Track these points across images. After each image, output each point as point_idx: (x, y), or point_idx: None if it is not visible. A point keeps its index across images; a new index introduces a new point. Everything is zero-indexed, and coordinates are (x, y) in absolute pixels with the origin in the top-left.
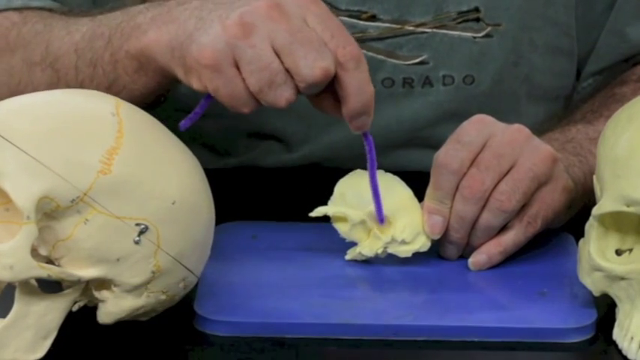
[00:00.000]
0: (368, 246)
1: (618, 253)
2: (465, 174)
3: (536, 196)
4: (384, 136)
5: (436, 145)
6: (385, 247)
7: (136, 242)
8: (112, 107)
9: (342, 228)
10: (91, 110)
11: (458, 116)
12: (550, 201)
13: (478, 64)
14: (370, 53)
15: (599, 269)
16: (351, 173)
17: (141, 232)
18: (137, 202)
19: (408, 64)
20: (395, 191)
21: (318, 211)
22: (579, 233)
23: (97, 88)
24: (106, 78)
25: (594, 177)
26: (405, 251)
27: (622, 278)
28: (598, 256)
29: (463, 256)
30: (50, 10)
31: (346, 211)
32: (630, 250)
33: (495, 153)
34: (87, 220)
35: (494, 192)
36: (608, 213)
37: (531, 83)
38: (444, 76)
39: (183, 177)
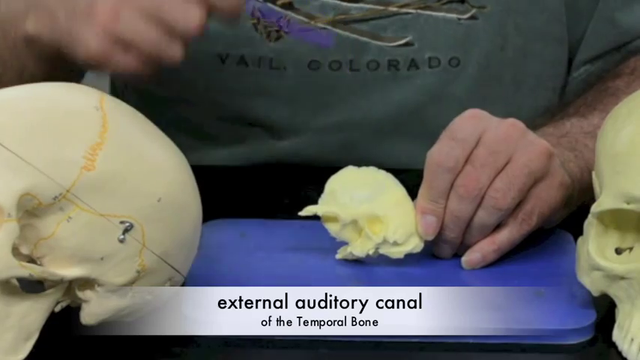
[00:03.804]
0: (359, 246)
1: (618, 251)
2: (459, 172)
3: (532, 192)
4: (371, 121)
5: (423, 133)
6: (377, 248)
7: (121, 241)
8: (95, 101)
9: (332, 228)
10: (74, 104)
11: (445, 100)
12: (546, 197)
13: (464, 46)
14: (354, 35)
15: (598, 268)
16: (342, 170)
17: (125, 230)
18: (122, 200)
19: (393, 46)
20: (388, 189)
21: (308, 210)
22: (578, 231)
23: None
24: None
25: (593, 173)
26: (397, 252)
27: (622, 278)
28: (597, 254)
29: (457, 255)
30: None
31: (337, 211)
32: (630, 249)
33: (490, 149)
34: (70, 217)
35: (489, 189)
36: (607, 210)
37: (519, 69)
38: (429, 58)
39: (170, 173)
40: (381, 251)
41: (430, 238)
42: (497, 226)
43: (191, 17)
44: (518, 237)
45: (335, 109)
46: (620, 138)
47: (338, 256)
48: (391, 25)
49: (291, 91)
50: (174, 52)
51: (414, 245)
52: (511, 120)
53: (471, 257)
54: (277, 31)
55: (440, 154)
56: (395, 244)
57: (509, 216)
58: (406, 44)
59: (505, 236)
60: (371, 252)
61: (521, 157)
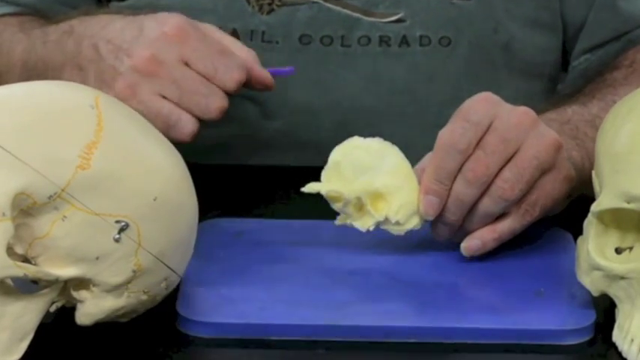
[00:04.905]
0: (360, 221)
1: (618, 251)
2: (470, 155)
3: (537, 183)
4: (363, 101)
5: (416, 114)
6: (378, 224)
7: (116, 240)
8: (91, 100)
9: (335, 203)
10: (69, 103)
11: (437, 80)
12: (551, 190)
13: (455, 25)
14: (346, 11)
15: (598, 268)
16: (347, 141)
17: (121, 230)
18: (117, 199)
19: (385, 22)
20: (393, 163)
21: (310, 187)
22: (577, 231)
23: None
24: None
25: (593, 172)
26: (397, 230)
27: (622, 277)
28: (597, 254)
29: (455, 243)
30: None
31: (340, 190)
32: (630, 249)
33: (501, 137)
34: (65, 217)
35: (497, 179)
36: (607, 210)
37: (511, 53)
38: (420, 36)
39: (166, 172)
40: (382, 227)
41: (431, 218)
42: (499, 215)
43: (212, 105)
44: (520, 227)
45: (327, 87)
46: (620, 136)
47: (337, 222)
48: (383, 1)
49: (283, 66)
50: (186, 128)
51: (415, 224)
52: (523, 108)
53: (471, 244)
54: (269, 4)
55: (453, 135)
56: (397, 223)
57: (513, 205)
58: (398, 21)
59: (507, 226)
60: (372, 228)
61: (531, 148)
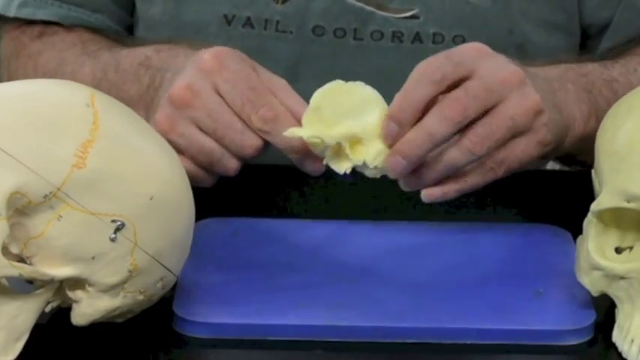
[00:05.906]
0: (338, 164)
1: (618, 251)
2: (446, 94)
3: (509, 144)
4: None
5: None
6: (354, 168)
7: (112, 240)
8: (86, 98)
9: (316, 148)
10: (64, 101)
11: None
12: (520, 152)
13: (470, 25)
14: (359, 4)
15: (597, 268)
16: (328, 84)
17: (117, 229)
18: (113, 198)
19: (399, 18)
20: (373, 107)
21: (292, 132)
22: (577, 231)
23: None
24: None
25: (593, 172)
26: (373, 173)
27: (622, 277)
28: (597, 254)
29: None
30: (80, 27)
31: (320, 135)
32: (631, 248)
33: (485, 85)
34: (60, 216)
35: (469, 132)
36: (607, 209)
37: (525, 54)
38: (434, 34)
39: (162, 171)
40: (359, 170)
41: (388, 142)
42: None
43: (246, 142)
44: (482, 183)
45: (337, 79)
46: (620, 135)
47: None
48: None
49: (295, 56)
50: (229, 164)
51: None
52: (514, 67)
53: (432, 191)
54: None
55: (428, 66)
56: (374, 167)
57: (479, 161)
58: (412, 17)
59: (469, 179)
60: (348, 171)
61: (510, 108)
